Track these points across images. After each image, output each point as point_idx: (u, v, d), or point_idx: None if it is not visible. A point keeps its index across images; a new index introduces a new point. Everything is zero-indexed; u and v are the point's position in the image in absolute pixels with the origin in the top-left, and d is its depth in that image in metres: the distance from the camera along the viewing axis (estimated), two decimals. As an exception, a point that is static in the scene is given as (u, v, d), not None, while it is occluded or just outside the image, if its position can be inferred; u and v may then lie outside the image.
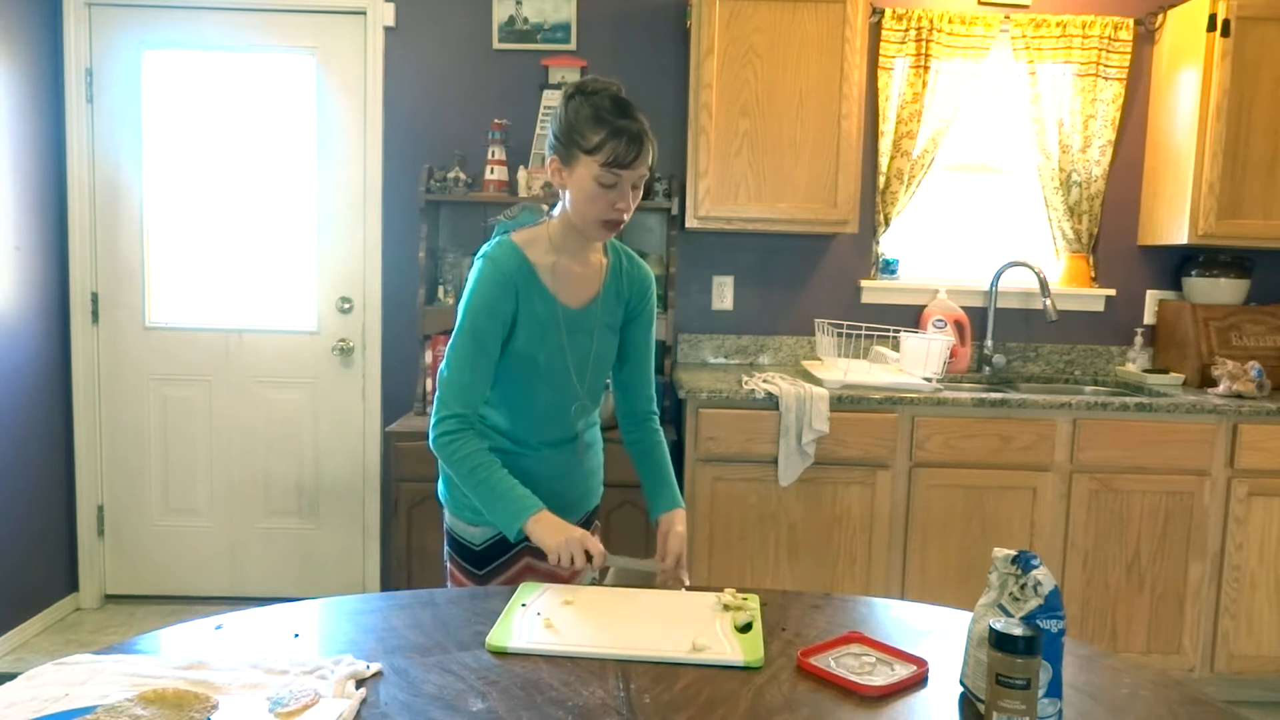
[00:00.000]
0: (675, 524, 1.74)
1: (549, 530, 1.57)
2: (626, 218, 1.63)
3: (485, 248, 1.68)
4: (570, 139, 1.59)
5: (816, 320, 3.44)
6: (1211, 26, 3.07)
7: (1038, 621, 1.09)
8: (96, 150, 3.43)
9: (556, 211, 1.69)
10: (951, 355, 3.30)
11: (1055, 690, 1.09)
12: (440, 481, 1.81)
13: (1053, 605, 1.10)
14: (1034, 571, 1.12)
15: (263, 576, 3.60)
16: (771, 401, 2.83)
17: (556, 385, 1.71)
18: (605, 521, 3.06)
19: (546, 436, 1.74)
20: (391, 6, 3.39)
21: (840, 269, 3.50)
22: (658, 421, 1.86)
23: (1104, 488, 2.90)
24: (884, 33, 3.33)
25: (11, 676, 1.15)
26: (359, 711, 1.07)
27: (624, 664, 1.21)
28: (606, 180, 1.57)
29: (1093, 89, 3.34)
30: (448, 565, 1.81)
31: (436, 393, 1.64)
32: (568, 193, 1.63)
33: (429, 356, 3.25)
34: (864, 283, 3.47)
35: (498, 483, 1.60)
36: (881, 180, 3.40)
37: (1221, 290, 3.33)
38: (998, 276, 3.42)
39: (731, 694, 1.14)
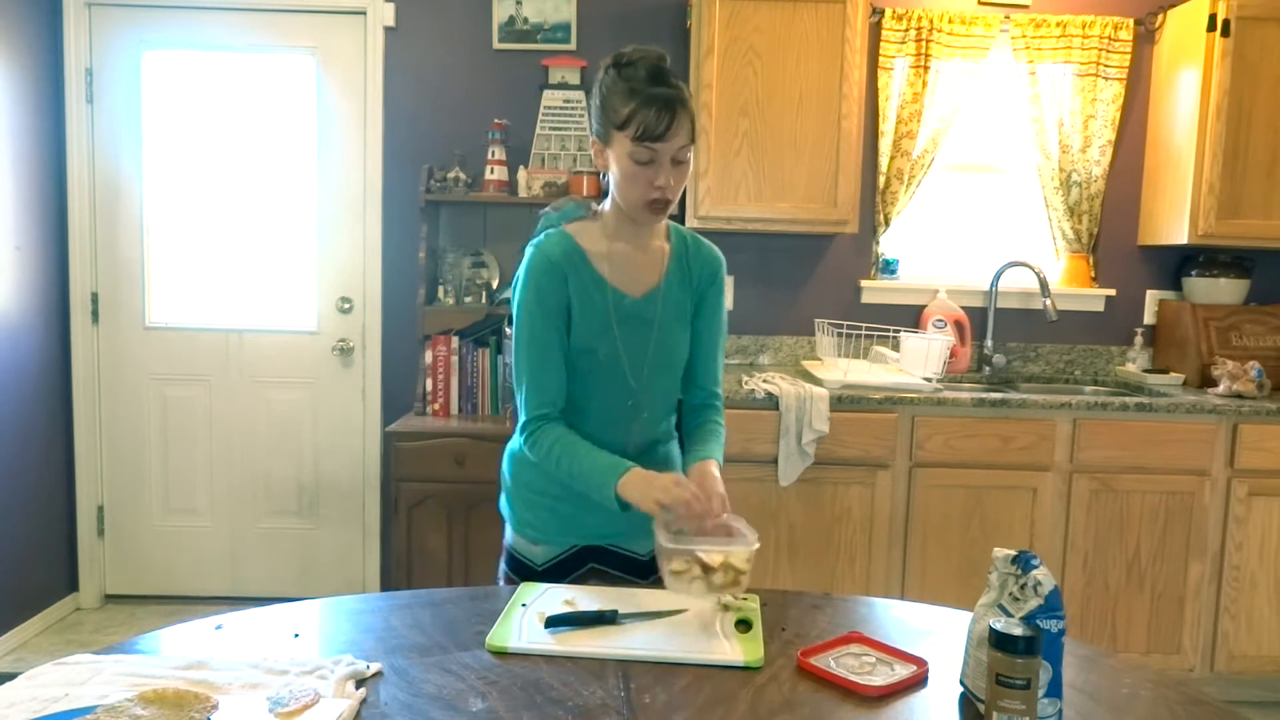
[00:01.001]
0: (708, 467, 1.54)
1: (634, 488, 1.42)
2: (672, 197, 1.49)
3: (534, 239, 1.58)
4: (605, 116, 1.48)
5: (816, 320, 3.44)
6: (1211, 26, 3.07)
7: (1038, 621, 1.09)
8: (96, 150, 3.43)
9: (608, 201, 1.58)
10: (951, 355, 3.30)
11: (1055, 690, 1.09)
12: (501, 494, 1.72)
13: (1053, 605, 1.10)
14: (1034, 571, 1.12)
15: (263, 576, 3.60)
16: (771, 401, 2.83)
17: (611, 382, 1.57)
18: None
19: (602, 443, 1.57)
20: (391, 6, 3.39)
21: (840, 269, 3.50)
22: (717, 413, 1.68)
23: (1104, 488, 2.90)
24: (884, 33, 3.33)
25: (11, 676, 1.15)
26: (359, 711, 1.07)
27: (624, 664, 1.21)
28: (641, 156, 1.45)
29: (1093, 89, 3.34)
30: (502, 584, 1.68)
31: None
32: (611, 176, 1.52)
33: (429, 356, 3.25)
34: (864, 283, 3.47)
35: (582, 458, 1.49)
36: (881, 180, 3.40)
37: (1221, 290, 3.33)
38: (998, 276, 3.42)
39: (731, 694, 1.14)
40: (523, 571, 1.65)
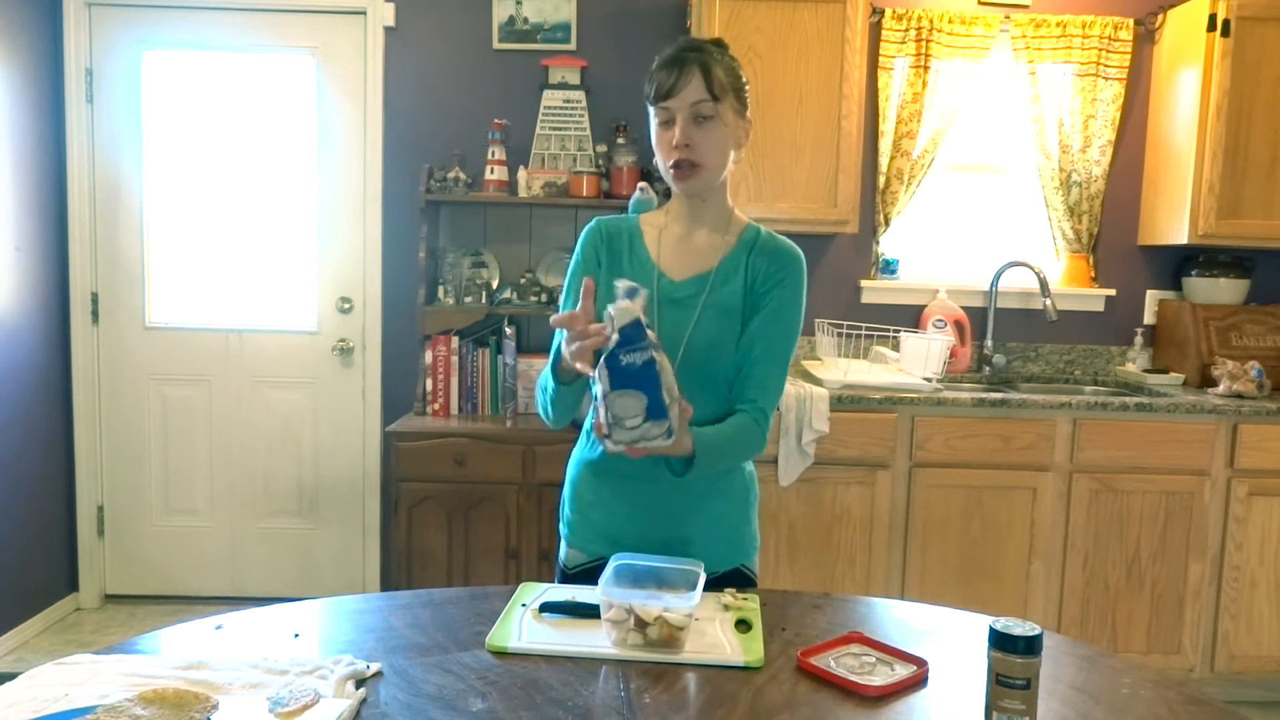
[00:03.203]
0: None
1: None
2: (697, 159, 1.42)
3: None
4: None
5: (816, 320, 3.44)
6: (1211, 26, 3.07)
7: (618, 354, 1.19)
8: (96, 150, 3.43)
9: None
10: (951, 355, 3.30)
11: (659, 413, 1.22)
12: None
13: (631, 338, 1.19)
14: (609, 307, 1.20)
15: (263, 576, 3.60)
16: (771, 401, 2.82)
17: None
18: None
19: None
20: (391, 6, 3.39)
21: (840, 269, 3.49)
22: (751, 420, 1.47)
23: (1104, 488, 2.90)
24: (884, 33, 3.33)
25: (11, 676, 1.15)
26: (359, 711, 1.07)
27: (624, 664, 1.21)
28: (660, 118, 1.44)
29: (1093, 89, 3.34)
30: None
31: None
32: None
33: (429, 356, 3.25)
34: (864, 283, 3.47)
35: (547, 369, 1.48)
36: (881, 180, 3.40)
37: (1221, 290, 3.33)
38: (998, 276, 3.42)
39: (731, 694, 1.14)
40: (559, 571, 1.64)
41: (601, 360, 1.22)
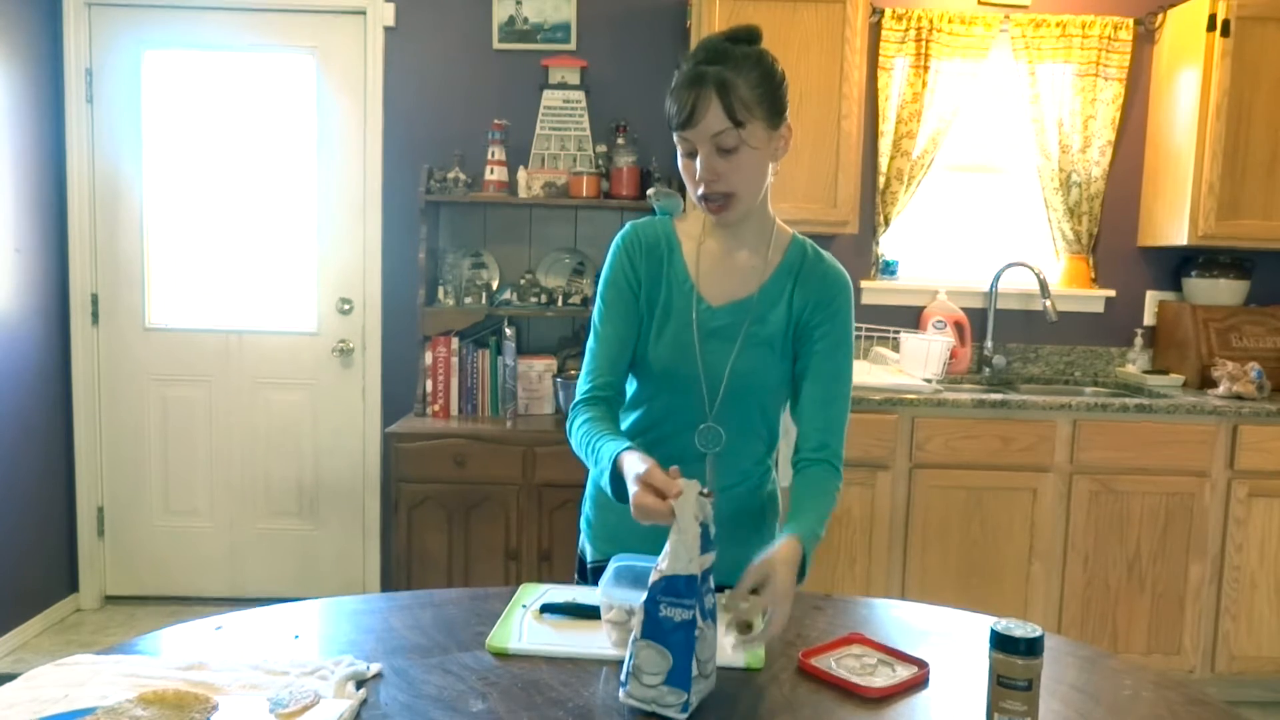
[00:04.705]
0: (776, 559, 1.19)
1: (627, 464, 1.23)
2: (728, 189, 1.32)
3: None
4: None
5: (816, 321, 3.43)
6: (1211, 26, 3.07)
7: (659, 600, 1.06)
8: (96, 150, 3.43)
9: None
10: (951, 356, 3.30)
11: (680, 682, 1.06)
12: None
13: (677, 588, 1.07)
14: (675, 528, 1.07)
15: (263, 577, 3.60)
16: (771, 402, 2.83)
17: (681, 396, 1.41)
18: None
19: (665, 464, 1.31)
20: (391, 6, 3.39)
21: (840, 269, 3.49)
22: (827, 468, 1.38)
23: (1104, 489, 2.90)
24: (884, 33, 3.32)
25: (11, 677, 1.15)
26: (359, 712, 1.07)
27: (624, 665, 1.21)
28: (683, 148, 1.33)
29: (1093, 89, 3.34)
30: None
31: None
32: None
33: (429, 357, 3.24)
34: (864, 283, 3.47)
35: (593, 441, 1.34)
36: (881, 180, 3.39)
37: (1221, 291, 3.33)
38: (998, 277, 3.41)
39: (732, 695, 1.14)
40: (578, 564, 1.61)
41: (642, 602, 1.10)
